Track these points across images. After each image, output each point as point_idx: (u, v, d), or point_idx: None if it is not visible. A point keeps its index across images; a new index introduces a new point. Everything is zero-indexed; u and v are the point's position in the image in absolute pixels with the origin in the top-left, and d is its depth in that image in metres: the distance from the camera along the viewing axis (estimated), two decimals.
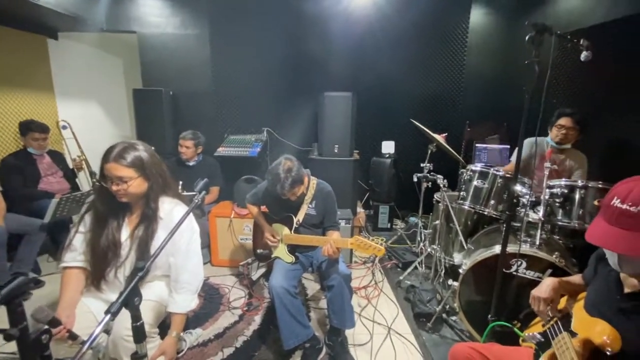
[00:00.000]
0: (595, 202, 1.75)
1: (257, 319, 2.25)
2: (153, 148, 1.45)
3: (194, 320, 2.18)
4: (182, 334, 1.93)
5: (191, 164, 3.02)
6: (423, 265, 2.60)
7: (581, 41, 1.54)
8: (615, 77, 2.35)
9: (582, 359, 0.95)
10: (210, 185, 3.07)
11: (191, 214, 1.41)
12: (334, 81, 3.49)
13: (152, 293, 1.43)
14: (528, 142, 2.26)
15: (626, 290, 0.96)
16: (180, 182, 2.56)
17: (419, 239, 2.91)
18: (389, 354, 1.95)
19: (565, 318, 1.14)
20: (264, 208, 2.25)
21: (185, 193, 1.79)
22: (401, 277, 2.58)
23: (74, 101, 3.63)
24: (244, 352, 1.94)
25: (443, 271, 2.38)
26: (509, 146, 3.19)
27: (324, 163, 3.20)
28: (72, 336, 1.18)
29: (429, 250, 2.53)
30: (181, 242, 1.39)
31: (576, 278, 1.26)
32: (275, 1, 3.41)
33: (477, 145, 3.30)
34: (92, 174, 3.17)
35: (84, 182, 3.26)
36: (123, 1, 3.32)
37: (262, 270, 2.75)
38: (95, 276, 1.36)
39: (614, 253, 0.91)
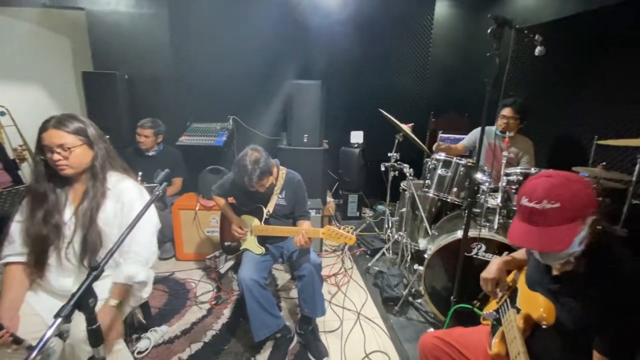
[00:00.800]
0: None
1: (226, 312, 2.20)
2: (107, 137, 1.35)
3: (158, 317, 2.08)
4: (147, 332, 1.87)
5: (151, 154, 2.85)
6: (390, 252, 2.68)
7: (536, 36, 1.63)
8: (565, 71, 2.53)
9: (524, 335, 1.02)
10: (173, 177, 2.92)
11: (138, 185, 1.36)
12: (303, 70, 3.43)
13: (110, 291, 1.33)
14: (477, 131, 2.38)
15: (554, 272, 1.03)
16: (140, 173, 2.41)
17: (386, 226, 2.99)
18: (359, 338, 2.01)
19: (514, 293, 1.22)
20: (231, 199, 2.18)
21: (145, 185, 1.67)
22: (370, 264, 2.65)
23: (14, 84, 3.23)
24: (213, 346, 1.90)
25: (409, 256, 2.48)
26: None
27: (293, 153, 3.16)
28: (16, 340, 1.08)
29: (396, 237, 2.61)
30: (131, 214, 1.30)
31: (520, 253, 1.33)
32: None
33: (441, 135, 3.42)
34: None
35: (28, 174, 2.96)
36: None
37: (231, 263, 2.69)
38: (38, 263, 1.24)
39: None
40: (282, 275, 2.69)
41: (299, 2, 3.36)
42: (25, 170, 2.93)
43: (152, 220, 1.40)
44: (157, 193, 1.05)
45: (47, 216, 1.23)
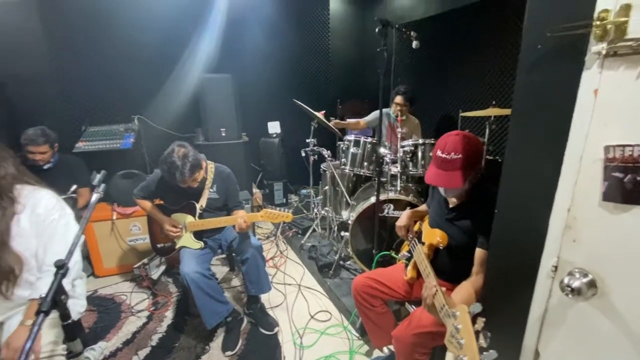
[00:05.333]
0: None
1: (169, 314, 2.18)
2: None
3: (91, 336, 1.94)
4: (84, 351, 1.74)
5: (46, 167, 2.49)
6: (319, 227, 2.98)
7: (411, 33, 2.05)
8: (437, 60, 3.16)
9: (428, 258, 1.40)
10: (80, 187, 2.62)
11: (54, 193, 1.32)
12: (211, 64, 3.40)
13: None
14: (377, 112, 2.82)
15: (450, 205, 1.45)
16: None
17: (312, 206, 3.26)
18: (303, 305, 2.25)
19: (419, 235, 1.61)
20: (157, 201, 2.13)
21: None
22: (302, 241, 2.90)
23: None
24: (163, 346, 1.89)
25: (336, 227, 2.80)
26: None
27: (213, 148, 3.14)
28: None
29: (322, 213, 2.91)
30: (49, 223, 1.25)
31: (422, 207, 1.77)
32: None
33: (348, 120, 3.84)
34: None
35: None
36: None
37: (163, 268, 2.60)
38: None
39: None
40: (220, 269, 2.73)
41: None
42: None
43: (70, 229, 1.32)
44: (99, 194, 1.05)
45: None
